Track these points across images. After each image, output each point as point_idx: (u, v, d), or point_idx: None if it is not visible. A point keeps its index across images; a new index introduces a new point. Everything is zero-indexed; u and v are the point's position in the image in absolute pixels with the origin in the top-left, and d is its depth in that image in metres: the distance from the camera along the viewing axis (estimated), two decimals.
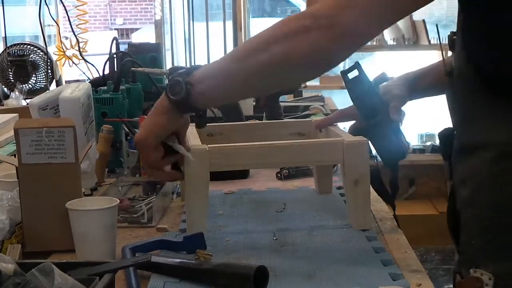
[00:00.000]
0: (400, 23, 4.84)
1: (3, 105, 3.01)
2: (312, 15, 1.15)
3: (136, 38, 10.52)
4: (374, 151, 1.54)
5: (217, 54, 5.00)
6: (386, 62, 5.28)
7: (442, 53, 1.39)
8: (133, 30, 11.97)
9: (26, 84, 3.22)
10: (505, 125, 1.19)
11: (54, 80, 3.24)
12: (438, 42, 4.58)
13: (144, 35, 9.23)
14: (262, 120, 2.31)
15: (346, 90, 1.54)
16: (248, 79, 1.22)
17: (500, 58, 1.17)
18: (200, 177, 1.36)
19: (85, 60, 3.14)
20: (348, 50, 1.18)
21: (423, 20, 4.84)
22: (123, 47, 2.72)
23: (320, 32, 1.14)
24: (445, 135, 1.41)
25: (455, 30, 1.29)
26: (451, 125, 1.37)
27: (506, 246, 1.21)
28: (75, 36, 3.24)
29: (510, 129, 1.19)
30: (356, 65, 1.52)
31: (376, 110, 1.50)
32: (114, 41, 2.40)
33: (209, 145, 1.38)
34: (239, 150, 1.40)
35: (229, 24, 4.95)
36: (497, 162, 1.20)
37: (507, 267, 1.21)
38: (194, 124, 1.47)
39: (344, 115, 1.62)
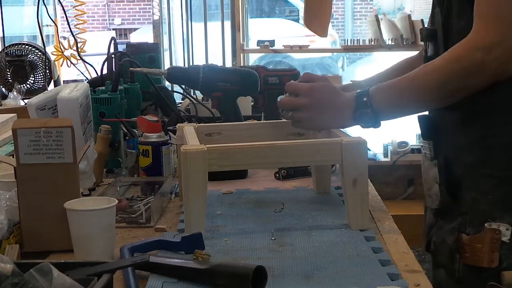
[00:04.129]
0: (399, 23, 4.84)
1: (1, 105, 3.01)
2: (483, 48, 1.28)
3: (134, 38, 10.52)
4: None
5: (215, 54, 5.01)
6: (384, 62, 5.29)
7: (426, 44, 1.51)
8: (131, 30, 11.96)
9: (24, 84, 3.22)
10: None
11: (52, 80, 3.24)
12: None
13: (142, 35, 9.22)
14: (261, 120, 2.31)
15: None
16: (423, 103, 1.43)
17: None
18: (198, 177, 1.36)
19: (83, 60, 3.14)
20: None
21: (422, 20, 4.83)
22: (121, 47, 2.72)
23: (497, 61, 1.29)
24: (425, 118, 1.52)
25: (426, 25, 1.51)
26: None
27: None
28: (73, 36, 3.24)
29: None
30: None
31: None
32: (112, 41, 2.40)
33: (207, 145, 1.38)
34: (237, 150, 1.40)
35: (227, 24, 4.95)
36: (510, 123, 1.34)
37: None
38: (191, 123, 1.47)
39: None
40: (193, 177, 1.36)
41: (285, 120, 1.58)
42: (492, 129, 1.37)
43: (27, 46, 3.28)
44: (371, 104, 1.40)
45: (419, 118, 1.52)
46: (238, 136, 1.64)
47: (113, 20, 12.55)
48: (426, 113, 1.53)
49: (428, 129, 1.51)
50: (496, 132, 1.37)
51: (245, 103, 2.58)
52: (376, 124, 1.43)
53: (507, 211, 1.36)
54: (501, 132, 1.37)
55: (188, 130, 1.58)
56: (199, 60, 4.94)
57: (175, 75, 1.96)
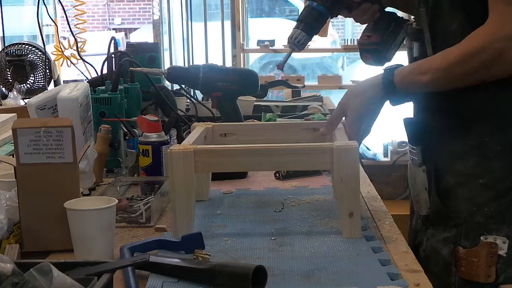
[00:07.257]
0: None
1: (1, 105, 3.01)
2: (503, 37, 1.26)
3: (134, 38, 10.51)
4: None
5: (215, 54, 5.01)
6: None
7: (411, 42, 1.47)
8: (131, 30, 11.96)
9: (24, 84, 3.22)
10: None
11: (52, 80, 3.24)
12: None
13: (143, 35, 9.22)
14: (261, 120, 2.31)
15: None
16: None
17: None
18: (184, 178, 1.34)
19: (83, 60, 3.14)
20: None
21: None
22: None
23: None
24: (412, 122, 1.49)
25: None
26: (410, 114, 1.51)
27: None
28: (73, 36, 3.24)
29: None
30: None
31: None
32: (112, 41, 2.40)
33: (196, 146, 1.36)
34: (224, 152, 1.38)
35: (227, 24, 4.95)
36: (508, 130, 1.32)
37: None
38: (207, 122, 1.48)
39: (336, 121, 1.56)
40: (177, 178, 1.34)
41: (305, 122, 1.55)
42: (489, 136, 1.34)
43: (27, 46, 3.28)
44: (394, 83, 1.41)
45: (405, 121, 1.49)
46: (253, 136, 1.62)
47: (113, 20, 12.55)
48: (412, 116, 1.50)
49: (416, 134, 1.47)
50: (494, 139, 1.34)
51: (246, 103, 2.58)
52: (402, 100, 1.43)
53: (505, 223, 1.33)
54: (499, 140, 1.34)
55: (196, 130, 1.58)
56: (199, 60, 4.94)
57: (175, 75, 1.96)
